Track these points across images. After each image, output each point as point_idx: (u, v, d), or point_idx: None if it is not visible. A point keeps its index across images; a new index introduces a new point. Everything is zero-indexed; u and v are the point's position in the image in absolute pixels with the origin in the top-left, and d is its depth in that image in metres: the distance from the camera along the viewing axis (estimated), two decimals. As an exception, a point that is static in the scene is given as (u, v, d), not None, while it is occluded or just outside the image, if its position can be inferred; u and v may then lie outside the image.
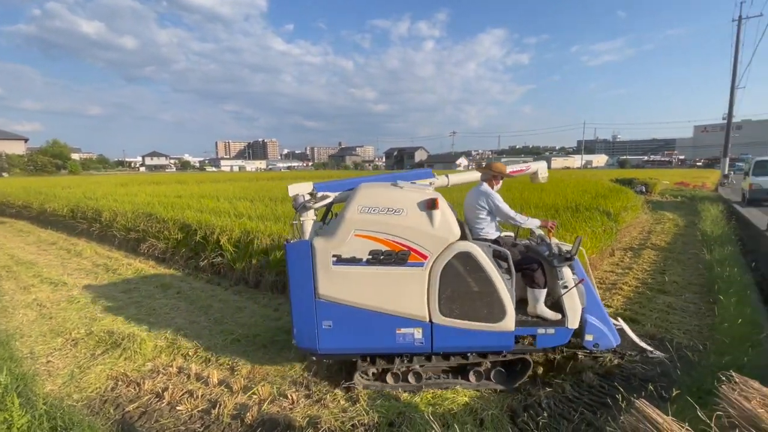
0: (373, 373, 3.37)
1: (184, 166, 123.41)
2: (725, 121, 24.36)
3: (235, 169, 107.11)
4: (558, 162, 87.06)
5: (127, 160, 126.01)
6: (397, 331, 3.11)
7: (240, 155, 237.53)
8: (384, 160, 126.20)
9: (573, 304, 3.21)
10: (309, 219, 3.30)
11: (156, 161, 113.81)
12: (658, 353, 3.64)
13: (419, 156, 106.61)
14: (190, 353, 3.93)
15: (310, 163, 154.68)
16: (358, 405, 3.01)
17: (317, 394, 3.21)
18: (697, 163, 71.25)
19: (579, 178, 21.55)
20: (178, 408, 3.04)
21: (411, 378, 3.32)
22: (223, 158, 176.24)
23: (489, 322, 3.08)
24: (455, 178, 3.99)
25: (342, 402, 3.10)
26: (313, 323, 3.09)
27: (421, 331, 3.11)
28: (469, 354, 3.29)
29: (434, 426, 2.40)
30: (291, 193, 3.43)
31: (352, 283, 3.04)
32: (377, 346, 3.20)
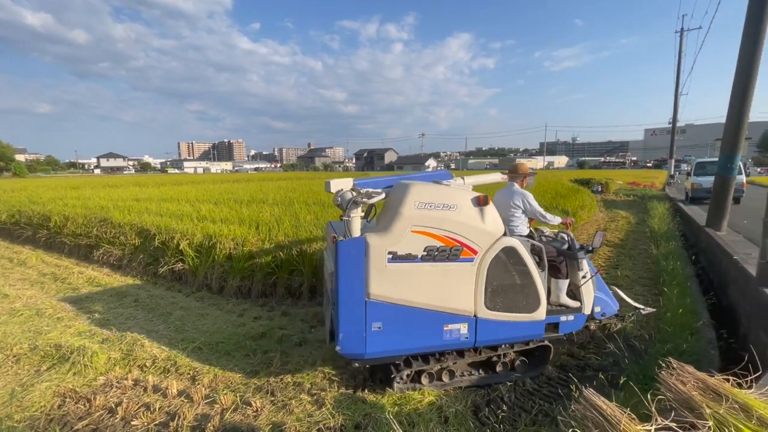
0: (408, 376, 3.29)
1: (143, 167, 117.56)
2: (671, 125, 26.24)
3: (199, 170, 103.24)
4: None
5: (80, 161, 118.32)
6: (445, 328, 3.08)
7: (204, 156, 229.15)
8: (354, 161, 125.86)
9: (589, 292, 3.53)
10: (357, 216, 3.13)
11: (113, 163, 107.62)
12: (649, 309, 4.12)
13: (389, 157, 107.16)
14: (147, 364, 3.75)
15: (278, 165, 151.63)
16: (323, 409, 2.99)
17: (282, 400, 3.15)
18: (647, 164, 76.20)
19: (540, 178, 22.44)
20: (133, 423, 2.89)
21: (445, 376, 3.34)
22: (186, 159, 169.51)
23: (526, 312, 3.23)
24: (470, 180, 4.11)
25: (308, 406, 3.06)
26: (362, 326, 2.93)
27: (466, 326, 3.12)
28: (504, 345, 3.42)
29: (396, 426, 2.43)
30: (333, 189, 3.34)
31: (406, 280, 2.96)
32: (425, 345, 3.14)
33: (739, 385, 2.06)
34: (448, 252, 3.00)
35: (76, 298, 5.72)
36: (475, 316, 3.13)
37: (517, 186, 3.87)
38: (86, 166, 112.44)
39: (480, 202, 3.07)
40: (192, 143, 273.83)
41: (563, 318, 3.43)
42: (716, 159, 8.28)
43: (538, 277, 3.23)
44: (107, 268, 7.37)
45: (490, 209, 3.13)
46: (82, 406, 3.11)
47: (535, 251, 3.38)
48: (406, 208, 2.94)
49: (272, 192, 14.52)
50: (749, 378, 2.16)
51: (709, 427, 1.75)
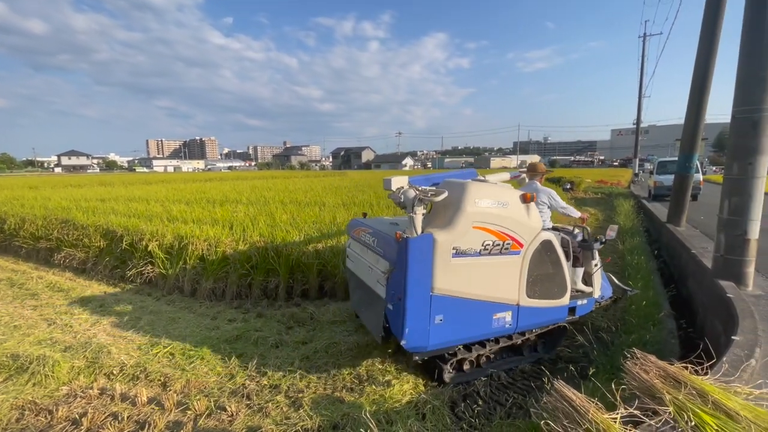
0: (452, 366, 3.39)
1: (109, 166, 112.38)
2: (635, 126, 27.51)
3: (170, 169, 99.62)
4: (496, 162, 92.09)
5: (38, 159, 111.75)
6: (494, 317, 3.26)
7: (175, 154, 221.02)
8: (331, 159, 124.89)
9: (598, 279, 3.98)
10: (420, 214, 3.17)
11: (75, 161, 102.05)
12: (634, 290, 4.66)
13: (366, 156, 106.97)
14: (114, 372, 3.59)
15: (253, 163, 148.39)
16: (301, 411, 2.96)
17: (259, 404, 3.10)
18: (614, 163, 79.49)
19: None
20: (99, 434, 2.76)
21: (483, 362, 3.50)
22: (155, 158, 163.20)
23: (556, 298, 3.52)
24: (491, 179, 4.26)
25: (285, 409, 3.02)
26: (426, 320, 3.03)
27: (510, 314, 3.32)
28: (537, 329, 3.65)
29: (373, 425, 2.44)
30: (394, 187, 3.46)
31: (465, 274, 3.08)
32: (477, 334, 3.31)
33: (697, 372, 2.19)
34: (501, 246, 3.18)
35: (35, 303, 5.40)
36: (517, 304, 3.33)
37: (538, 183, 4.28)
38: (46, 165, 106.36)
39: (526, 200, 3.29)
40: (161, 141, 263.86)
41: (579, 302, 3.78)
42: (676, 158, 8.73)
43: (566, 267, 3.52)
44: (70, 272, 7.00)
45: (533, 206, 3.38)
46: (43, 419, 2.94)
47: (562, 243, 3.67)
48: (468, 205, 3.06)
49: (246, 191, 14.21)
50: (705, 365, 2.30)
51: (670, 412, 1.85)
